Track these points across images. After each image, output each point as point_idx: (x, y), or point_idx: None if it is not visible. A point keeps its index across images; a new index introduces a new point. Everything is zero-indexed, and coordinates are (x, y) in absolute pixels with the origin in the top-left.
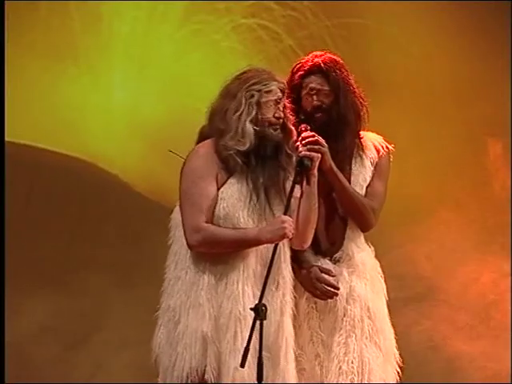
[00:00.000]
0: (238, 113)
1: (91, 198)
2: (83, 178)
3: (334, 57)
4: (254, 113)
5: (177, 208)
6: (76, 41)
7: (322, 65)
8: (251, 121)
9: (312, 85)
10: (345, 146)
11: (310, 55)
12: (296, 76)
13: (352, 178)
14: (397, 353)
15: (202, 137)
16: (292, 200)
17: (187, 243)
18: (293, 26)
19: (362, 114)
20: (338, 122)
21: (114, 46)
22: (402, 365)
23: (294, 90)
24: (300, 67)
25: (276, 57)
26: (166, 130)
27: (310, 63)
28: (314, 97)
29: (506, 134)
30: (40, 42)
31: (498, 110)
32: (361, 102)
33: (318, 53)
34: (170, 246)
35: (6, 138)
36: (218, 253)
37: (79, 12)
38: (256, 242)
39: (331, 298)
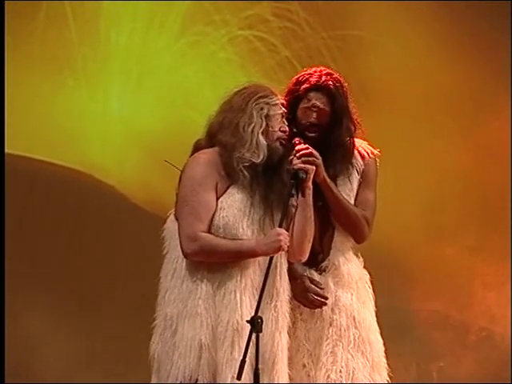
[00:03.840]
0: (252, 126)
1: (88, 210)
2: (80, 189)
3: (341, 79)
4: (264, 125)
5: (171, 217)
6: (73, 52)
7: (332, 87)
8: (262, 133)
9: (316, 102)
10: (335, 167)
11: (318, 70)
12: (301, 87)
13: (339, 189)
14: (385, 362)
15: (197, 150)
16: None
17: (182, 251)
18: (289, 38)
19: (354, 135)
20: (331, 145)
21: (112, 57)
22: (391, 374)
23: (294, 99)
24: (306, 80)
25: (272, 68)
26: (163, 140)
27: (318, 79)
28: (314, 114)
29: (505, 141)
30: (37, 52)
31: (497, 120)
32: (355, 127)
33: (327, 70)
34: (165, 256)
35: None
36: (215, 262)
37: (77, 23)
38: (251, 254)
39: (320, 307)
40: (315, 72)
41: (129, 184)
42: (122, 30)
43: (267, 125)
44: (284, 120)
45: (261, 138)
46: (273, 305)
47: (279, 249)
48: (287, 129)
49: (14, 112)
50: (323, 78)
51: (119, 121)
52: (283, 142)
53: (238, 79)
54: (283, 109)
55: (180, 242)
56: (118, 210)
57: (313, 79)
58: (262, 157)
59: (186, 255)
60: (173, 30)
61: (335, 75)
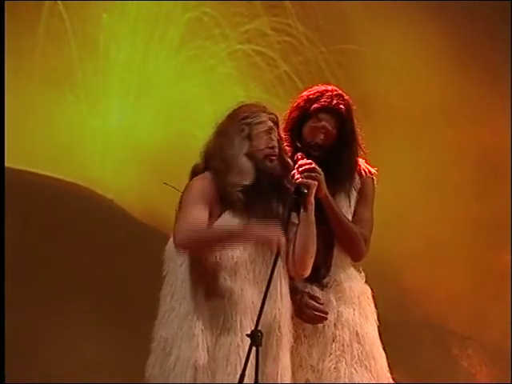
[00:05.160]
0: (233, 149)
1: (87, 223)
2: (79, 202)
3: (351, 101)
4: (246, 146)
5: (171, 240)
6: (73, 67)
7: (344, 112)
8: (245, 154)
9: (325, 124)
10: (335, 186)
11: (329, 89)
12: (311, 106)
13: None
14: (390, 377)
15: (195, 175)
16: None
17: (175, 243)
18: (288, 52)
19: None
20: (334, 166)
21: (112, 71)
22: None
23: (302, 116)
24: (317, 99)
25: (271, 82)
26: (163, 154)
27: (329, 100)
28: (322, 135)
29: (505, 155)
30: (38, 68)
31: (495, 134)
32: (360, 148)
33: (338, 91)
34: (165, 277)
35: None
36: (214, 283)
37: (77, 39)
38: (244, 233)
39: (320, 322)
40: (326, 91)
41: (128, 197)
42: (122, 45)
43: (251, 145)
44: (272, 136)
45: (243, 160)
46: (276, 325)
47: (270, 243)
48: (275, 144)
49: (14, 126)
50: (335, 101)
51: (119, 135)
52: (272, 158)
53: (237, 93)
54: (270, 123)
55: (173, 236)
56: (117, 223)
57: (324, 100)
58: (248, 179)
59: (177, 246)
60: (172, 45)
61: (346, 97)
